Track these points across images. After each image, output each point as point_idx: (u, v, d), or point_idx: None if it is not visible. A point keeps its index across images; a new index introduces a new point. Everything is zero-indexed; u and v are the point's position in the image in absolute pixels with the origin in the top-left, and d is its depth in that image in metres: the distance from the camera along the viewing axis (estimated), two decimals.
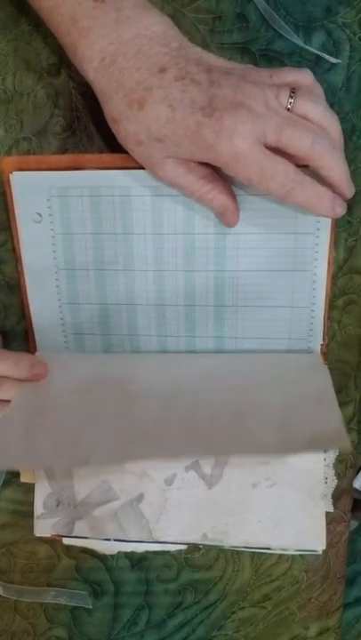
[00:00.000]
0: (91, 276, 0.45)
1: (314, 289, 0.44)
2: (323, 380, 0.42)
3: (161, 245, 0.44)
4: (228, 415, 0.40)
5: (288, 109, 0.36)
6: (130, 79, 0.36)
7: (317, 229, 0.42)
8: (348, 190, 0.38)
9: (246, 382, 0.43)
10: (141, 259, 0.44)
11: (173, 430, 0.39)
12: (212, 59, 0.38)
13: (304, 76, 0.38)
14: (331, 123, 0.38)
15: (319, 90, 0.39)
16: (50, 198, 0.43)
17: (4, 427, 0.40)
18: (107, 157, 0.43)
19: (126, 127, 0.37)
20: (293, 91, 0.36)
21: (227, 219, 0.41)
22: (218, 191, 0.40)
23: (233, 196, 0.41)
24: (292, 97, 0.36)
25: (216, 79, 0.35)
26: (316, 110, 0.37)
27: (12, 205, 0.44)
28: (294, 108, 0.36)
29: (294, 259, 0.43)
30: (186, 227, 0.43)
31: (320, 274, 0.43)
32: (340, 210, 0.38)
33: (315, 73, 0.43)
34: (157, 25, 0.37)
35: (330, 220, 0.42)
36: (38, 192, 0.43)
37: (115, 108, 0.37)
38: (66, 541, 0.48)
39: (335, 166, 0.37)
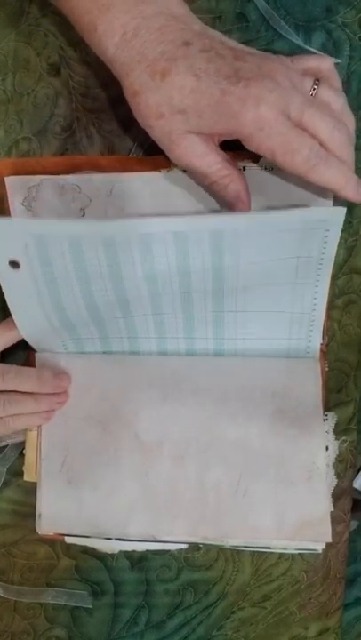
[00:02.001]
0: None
1: (315, 299, 0.44)
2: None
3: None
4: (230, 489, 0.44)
5: (312, 95, 0.37)
6: (153, 51, 0.35)
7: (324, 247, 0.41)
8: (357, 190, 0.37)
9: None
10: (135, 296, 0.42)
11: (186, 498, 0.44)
12: (233, 42, 0.38)
13: (325, 62, 0.38)
14: (349, 117, 0.38)
15: (338, 81, 0.39)
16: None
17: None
18: (103, 160, 0.43)
19: (148, 99, 0.36)
20: (317, 80, 0.37)
21: (237, 207, 0.40)
22: (234, 178, 0.39)
23: (247, 187, 0.40)
24: (315, 85, 0.37)
25: (240, 55, 0.35)
26: (338, 102, 0.37)
27: (8, 206, 0.44)
28: (317, 96, 0.37)
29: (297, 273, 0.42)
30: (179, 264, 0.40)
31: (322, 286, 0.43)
32: None
33: None
34: (178, 7, 0.37)
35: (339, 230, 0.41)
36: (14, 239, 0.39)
37: (136, 79, 0.36)
38: (67, 540, 0.48)
39: (348, 159, 0.37)
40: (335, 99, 0.37)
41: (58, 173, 0.43)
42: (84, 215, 0.43)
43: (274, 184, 0.42)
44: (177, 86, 0.35)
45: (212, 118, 0.35)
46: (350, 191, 0.37)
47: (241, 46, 0.37)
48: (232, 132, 0.36)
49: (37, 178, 0.43)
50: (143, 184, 0.42)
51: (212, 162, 0.38)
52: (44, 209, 0.43)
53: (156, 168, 0.42)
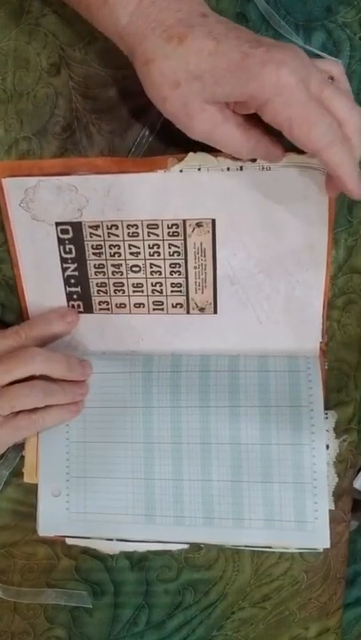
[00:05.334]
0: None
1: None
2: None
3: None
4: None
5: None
6: (171, 17, 0.35)
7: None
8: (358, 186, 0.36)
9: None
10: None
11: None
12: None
13: (336, 67, 0.37)
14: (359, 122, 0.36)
15: (348, 86, 0.38)
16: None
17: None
18: (100, 161, 0.43)
19: (162, 65, 0.35)
20: (331, 78, 0.36)
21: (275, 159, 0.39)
22: (262, 145, 0.37)
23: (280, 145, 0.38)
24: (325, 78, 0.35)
25: (255, 36, 0.35)
26: (350, 99, 0.35)
27: (6, 207, 0.44)
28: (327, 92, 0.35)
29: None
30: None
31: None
32: None
33: None
34: None
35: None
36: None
37: (150, 46, 0.35)
38: (68, 541, 0.48)
39: (358, 149, 0.35)
40: (347, 96, 0.35)
41: (55, 175, 0.43)
42: (81, 215, 0.44)
43: (271, 184, 0.42)
44: (194, 50, 0.34)
45: (229, 84, 0.34)
46: (353, 182, 0.35)
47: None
48: (250, 96, 0.34)
49: (34, 179, 0.43)
50: (140, 185, 0.42)
51: (235, 133, 0.36)
52: (42, 210, 0.44)
53: (153, 169, 0.42)
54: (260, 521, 0.44)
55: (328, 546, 0.44)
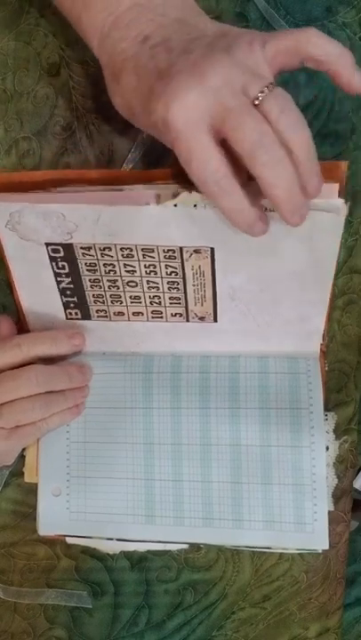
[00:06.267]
0: None
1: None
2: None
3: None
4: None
5: (255, 104, 0.31)
6: (116, 51, 0.35)
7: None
8: (291, 217, 0.32)
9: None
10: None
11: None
12: (213, 28, 0.34)
13: (306, 38, 0.32)
14: (298, 139, 0.31)
15: (329, 54, 0.33)
16: None
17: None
18: (94, 173, 0.41)
19: (114, 101, 0.36)
20: (269, 86, 0.31)
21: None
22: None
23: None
24: (264, 91, 0.31)
25: (192, 47, 0.32)
26: (287, 118, 0.31)
27: None
28: (263, 104, 0.31)
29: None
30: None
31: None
32: (259, 231, 0.34)
33: (315, 73, 0.43)
34: None
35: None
36: None
37: (107, 82, 0.36)
38: (69, 540, 0.48)
39: (278, 184, 0.31)
40: (284, 113, 0.31)
41: (45, 187, 0.41)
42: (71, 238, 0.41)
43: (274, 223, 0.37)
44: (125, 87, 0.34)
45: (143, 117, 0.33)
46: (242, 228, 0.33)
47: (220, 30, 0.34)
48: (154, 132, 0.33)
49: (18, 205, 0.39)
50: (132, 216, 0.39)
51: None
52: (30, 232, 0.41)
53: (150, 181, 0.40)
54: (259, 522, 0.44)
55: (327, 547, 0.44)
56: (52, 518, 0.47)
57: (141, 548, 0.48)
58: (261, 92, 0.31)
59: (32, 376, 0.42)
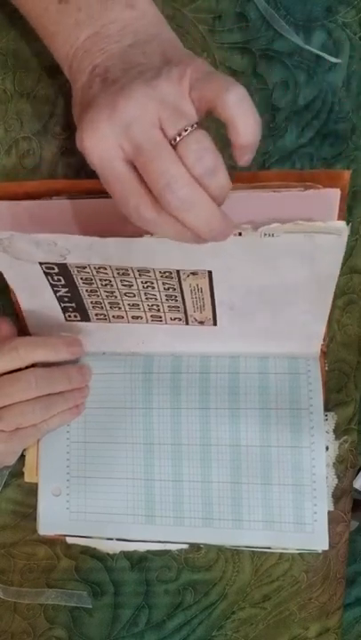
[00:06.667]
0: None
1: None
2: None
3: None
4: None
5: (172, 144, 0.30)
6: (75, 85, 0.35)
7: None
8: (216, 240, 0.32)
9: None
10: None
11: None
12: (162, 55, 0.32)
13: (223, 95, 0.29)
14: (214, 186, 0.30)
15: (243, 120, 0.29)
16: None
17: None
18: (87, 183, 0.40)
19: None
20: (192, 126, 0.30)
21: None
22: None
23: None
24: (183, 132, 0.29)
25: (122, 77, 0.31)
26: (203, 166, 0.29)
27: None
28: (180, 146, 0.29)
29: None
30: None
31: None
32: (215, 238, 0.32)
33: (315, 73, 0.43)
34: (116, 23, 0.34)
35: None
36: None
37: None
38: (69, 540, 0.48)
39: (193, 225, 0.30)
40: (200, 158, 0.29)
41: (38, 197, 0.41)
42: (65, 259, 0.40)
43: (275, 247, 0.38)
44: (80, 126, 0.32)
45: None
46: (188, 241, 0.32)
47: (153, 60, 0.32)
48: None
49: (6, 233, 0.37)
50: (125, 245, 0.38)
51: None
52: (22, 254, 0.40)
53: None
54: (259, 522, 0.44)
55: (327, 547, 0.44)
56: (52, 518, 0.47)
57: (141, 548, 0.48)
58: (182, 131, 0.29)
59: (31, 379, 0.42)
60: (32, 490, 0.48)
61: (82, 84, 0.34)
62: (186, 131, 0.29)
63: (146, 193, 0.30)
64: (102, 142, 0.30)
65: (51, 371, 0.44)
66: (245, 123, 0.29)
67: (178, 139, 0.29)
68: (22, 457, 0.48)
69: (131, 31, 0.34)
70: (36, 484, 0.47)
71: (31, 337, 0.46)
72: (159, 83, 0.30)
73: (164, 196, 0.29)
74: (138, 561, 0.48)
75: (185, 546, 0.47)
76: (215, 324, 0.44)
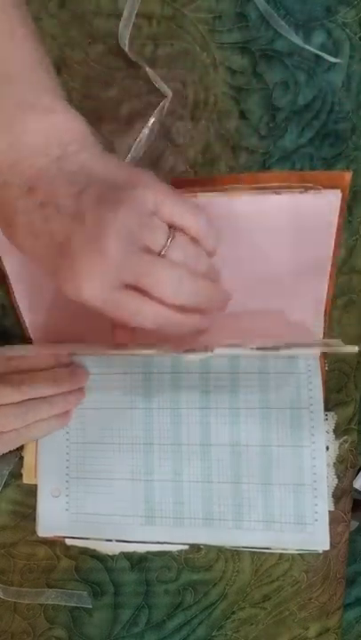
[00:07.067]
0: None
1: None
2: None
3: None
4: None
5: (161, 253, 0.33)
6: (5, 200, 0.32)
7: None
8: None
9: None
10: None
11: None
12: (99, 167, 0.33)
13: (195, 224, 0.34)
14: (205, 269, 0.35)
15: (208, 238, 0.35)
16: None
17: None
18: None
19: (11, 241, 0.34)
20: (169, 232, 0.33)
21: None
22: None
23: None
24: (167, 241, 0.33)
25: (82, 207, 0.31)
26: (194, 259, 0.34)
27: None
28: (168, 255, 0.33)
29: None
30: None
31: None
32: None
33: (315, 73, 0.43)
34: (37, 132, 0.32)
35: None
36: None
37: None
38: (68, 542, 0.48)
39: (206, 305, 0.35)
40: (187, 256, 0.34)
41: None
42: None
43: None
44: (24, 243, 0.33)
45: (48, 274, 0.33)
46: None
47: (109, 174, 0.32)
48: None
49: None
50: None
51: None
52: None
53: None
54: (259, 522, 0.44)
55: (328, 548, 0.44)
56: (52, 519, 0.47)
57: (141, 548, 0.48)
58: (165, 243, 0.33)
59: (14, 382, 0.41)
60: (32, 490, 0.48)
61: (22, 208, 0.32)
62: (167, 242, 0.33)
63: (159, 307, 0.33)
64: (102, 287, 0.31)
65: (36, 374, 0.43)
66: (212, 239, 0.35)
67: (163, 252, 0.33)
68: (21, 458, 0.48)
69: (53, 141, 0.32)
70: (36, 485, 0.47)
71: (33, 373, 0.44)
72: (127, 207, 0.31)
73: (179, 296, 0.33)
74: (138, 561, 0.48)
75: (185, 546, 0.47)
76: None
